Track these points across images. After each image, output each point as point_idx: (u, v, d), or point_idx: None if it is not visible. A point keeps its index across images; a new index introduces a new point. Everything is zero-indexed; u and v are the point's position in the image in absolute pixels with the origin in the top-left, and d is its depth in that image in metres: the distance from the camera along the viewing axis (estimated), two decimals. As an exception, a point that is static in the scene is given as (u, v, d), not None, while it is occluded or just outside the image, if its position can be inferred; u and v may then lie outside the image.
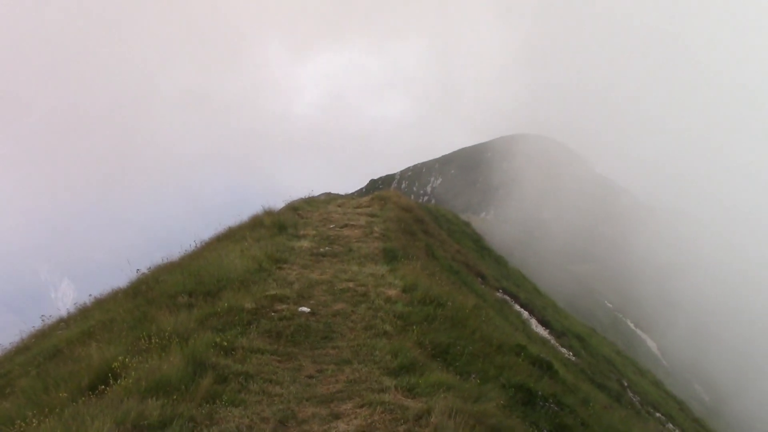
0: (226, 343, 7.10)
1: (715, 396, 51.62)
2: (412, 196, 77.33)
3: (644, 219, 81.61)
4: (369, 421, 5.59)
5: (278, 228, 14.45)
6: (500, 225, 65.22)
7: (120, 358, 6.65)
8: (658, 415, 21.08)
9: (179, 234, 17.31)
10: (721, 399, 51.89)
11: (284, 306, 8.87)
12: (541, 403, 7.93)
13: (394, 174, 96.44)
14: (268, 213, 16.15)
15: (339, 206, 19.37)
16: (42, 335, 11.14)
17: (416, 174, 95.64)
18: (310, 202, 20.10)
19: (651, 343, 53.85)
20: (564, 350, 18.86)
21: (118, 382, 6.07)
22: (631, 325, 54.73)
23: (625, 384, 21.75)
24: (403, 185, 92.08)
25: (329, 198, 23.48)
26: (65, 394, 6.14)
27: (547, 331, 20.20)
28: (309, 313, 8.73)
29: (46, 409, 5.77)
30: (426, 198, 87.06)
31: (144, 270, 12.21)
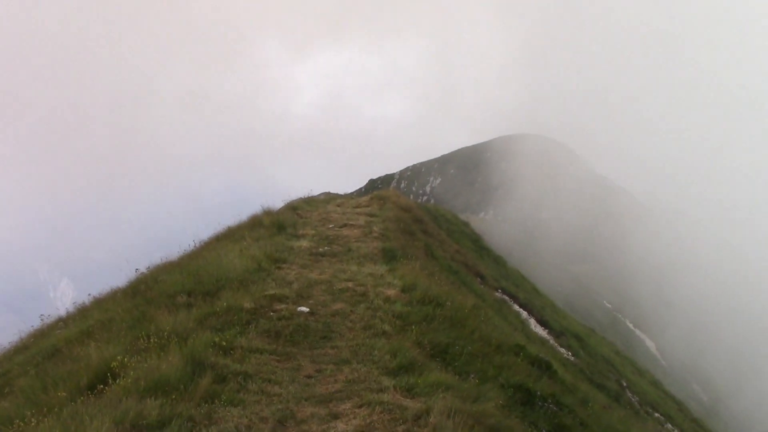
0: (225, 343, 7.09)
1: (713, 396, 51.69)
2: (412, 196, 77.34)
3: (643, 219, 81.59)
4: (368, 421, 5.59)
5: (277, 228, 14.45)
6: (499, 225, 65.24)
7: (119, 357, 6.65)
8: (656, 415, 21.09)
9: (178, 234, 17.33)
10: (719, 399, 51.99)
11: (283, 306, 8.86)
12: (540, 403, 7.93)
13: (394, 174, 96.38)
14: (267, 213, 16.14)
15: (338, 206, 19.36)
16: (41, 335, 11.13)
17: (415, 174, 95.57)
18: (309, 201, 20.09)
19: (649, 343, 53.85)
20: (563, 350, 18.87)
21: (117, 381, 6.07)
22: (630, 325, 54.72)
23: (624, 384, 21.77)
24: (403, 185, 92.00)
25: (328, 198, 23.46)
26: (64, 394, 6.13)
27: (546, 331, 20.21)
28: (308, 312, 8.72)
29: (45, 409, 5.77)
30: (425, 198, 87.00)
31: (143, 270, 12.24)
